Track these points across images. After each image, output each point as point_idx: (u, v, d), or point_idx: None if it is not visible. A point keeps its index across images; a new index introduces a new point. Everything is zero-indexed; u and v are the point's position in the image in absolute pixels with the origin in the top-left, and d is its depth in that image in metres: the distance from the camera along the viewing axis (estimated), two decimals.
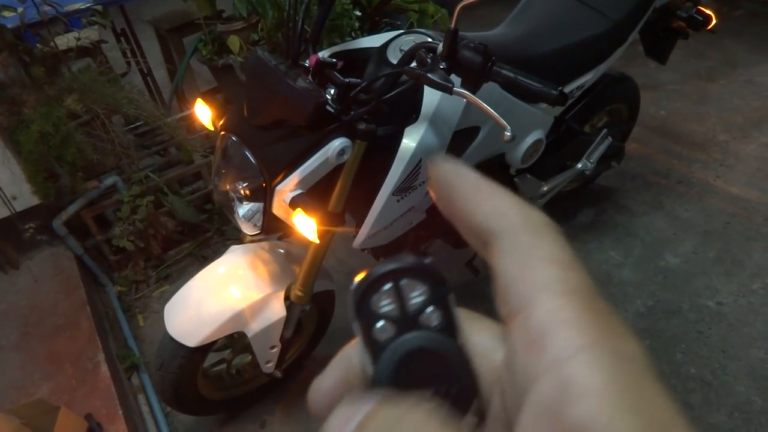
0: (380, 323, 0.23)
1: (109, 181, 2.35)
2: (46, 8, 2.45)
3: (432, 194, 0.25)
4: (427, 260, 0.23)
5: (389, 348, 0.23)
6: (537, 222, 0.22)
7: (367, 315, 0.23)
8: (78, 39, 2.68)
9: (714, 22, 1.95)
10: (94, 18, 2.71)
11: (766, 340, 1.88)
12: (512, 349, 0.20)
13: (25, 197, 2.30)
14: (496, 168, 1.79)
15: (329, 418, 0.21)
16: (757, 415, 1.69)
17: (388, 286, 0.23)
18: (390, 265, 0.23)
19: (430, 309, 0.23)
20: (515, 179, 1.87)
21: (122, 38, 3.20)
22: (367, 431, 0.20)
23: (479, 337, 0.24)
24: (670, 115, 3.07)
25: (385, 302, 0.23)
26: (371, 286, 0.23)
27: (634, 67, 2.87)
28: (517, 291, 0.20)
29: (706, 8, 1.97)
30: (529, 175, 1.89)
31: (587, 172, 2.09)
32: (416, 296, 0.23)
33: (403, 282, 0.23)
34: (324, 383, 0.25)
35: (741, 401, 1.73)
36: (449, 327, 0.23)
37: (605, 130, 2.08)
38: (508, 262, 0.21)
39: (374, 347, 0.23)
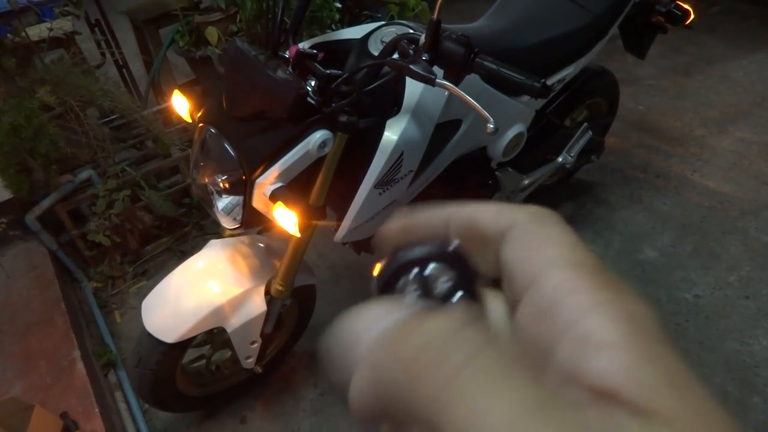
0: None
1: (84, 174, 2.30)
2: None
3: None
4: (453, 246, 0.23)
5: None
6: (541, 213, 0.23)
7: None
8: (50, 29, 2.61)
9: (692, 17, 1.97)
10: (67, 8, 2.65)
11: (741, 332, 1.91)
12: (523, 325, 0.20)
13: None
14: (477, 161, 1.79)
15: (357, 315, 0.21)
16: (733, 405, 1.71)
17: (413, 272, 0.22)
18: (414, 253, 0.22)
19: (458, 294, 0.22)
20: (496, 172, 1.87)
21: (97, 29, 3.13)
22: (402, 336, 0.19)
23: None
24: (648, 109, 3.10)
25: (410, 288, 0.22)
26: (395, 273, 0.22)
27: (613, 62, 2.89)
28: (525, 271, 0.21)
29: (684, 3, 1.99)
30: (510, 169, 1.89)
31: (567, 166, 2.10)
32: (444, 282, 0.22)
33: (430, 268, 0.22)
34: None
35: (717, 392, 1.75)
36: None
37: (585, 124, 2.09)
38: (516, 249, 0.22)
39: None
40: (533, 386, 0.17)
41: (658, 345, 0.18)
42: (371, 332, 0.20)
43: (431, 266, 0.22)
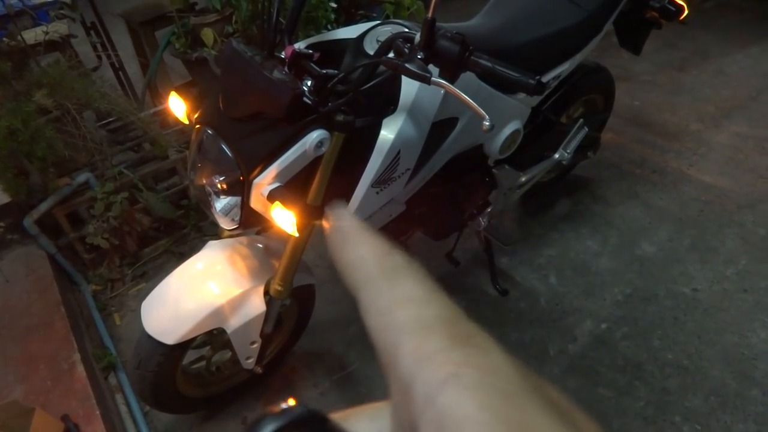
0: None
1: (82, 177, 2.30)
2: (12, 1, 2.39)
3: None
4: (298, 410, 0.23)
5: None
6: (392, 267, 0.22)
7: None
8: (46, 33, 2.61)
9: (686, 12, 1.97)
10: (62, 11, 2.65)
11: (739, 325, 1.92)
12: (393, 402, 0.20)
13: None
14: (474, 159, 1.79)
15: None
16: (732, 398, 1.72)
17: None
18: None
19: None
20: (493, 170, 1.87)
21: (92, 32, 3.13)
22: None
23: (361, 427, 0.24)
24: (644, 105, 3.11)
25: None
26: None
27: (608, 58, 2.89)
28: (384, 339, 0.21)
29: None
30: (507, 166, 1.90)
31: (564, 162, 2.11)
32: None
33: None
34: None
35: (716, 385, 1.76)
36: None
37: (581, 120, 2.09)
38: (371, 314, 0.22)
39: None
40: None
41: (516, 400, 0.18)
42: None
43: None
